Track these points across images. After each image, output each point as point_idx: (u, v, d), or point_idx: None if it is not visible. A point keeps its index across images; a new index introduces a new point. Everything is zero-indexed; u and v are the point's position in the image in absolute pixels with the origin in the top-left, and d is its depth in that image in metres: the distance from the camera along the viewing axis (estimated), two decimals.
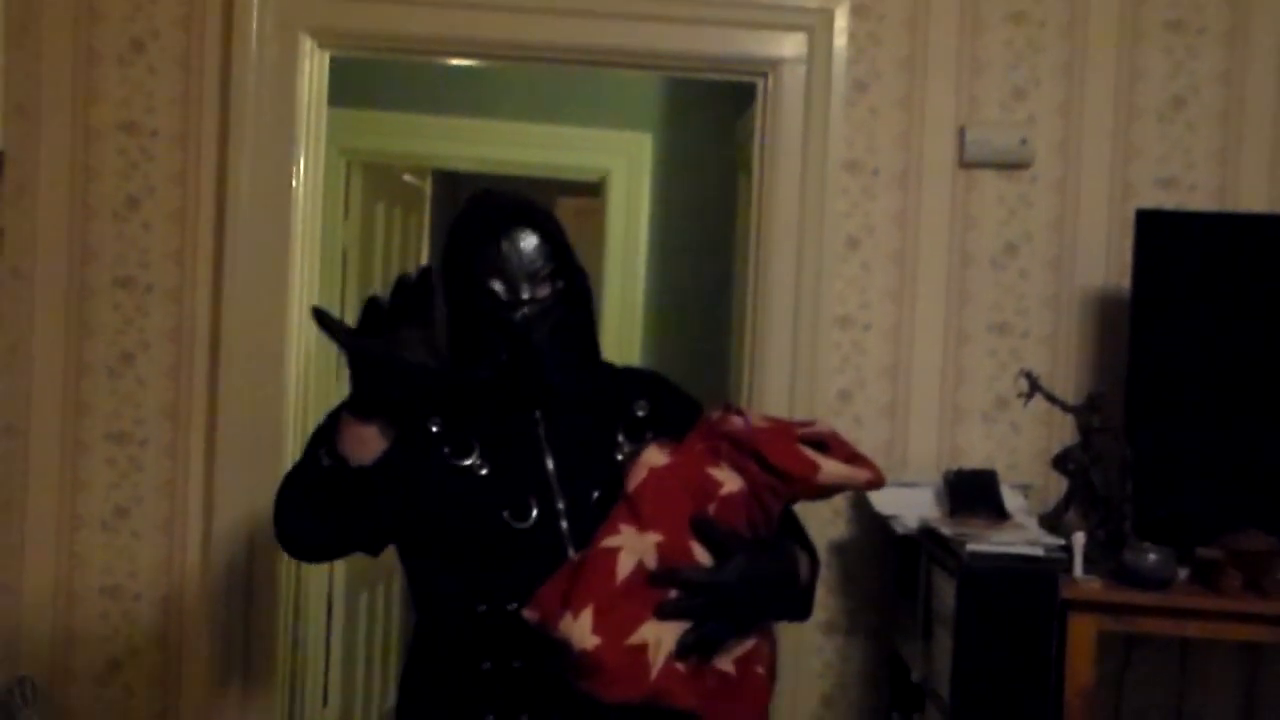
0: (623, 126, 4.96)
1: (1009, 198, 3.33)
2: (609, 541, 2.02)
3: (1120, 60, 3.32)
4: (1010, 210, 3.33)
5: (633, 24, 3.29)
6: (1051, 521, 3.01)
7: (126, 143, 3.25)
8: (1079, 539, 2.82)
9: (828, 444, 2.08)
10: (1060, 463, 3.06)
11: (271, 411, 3.26)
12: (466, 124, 4.85)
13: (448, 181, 6.74)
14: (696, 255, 5.03)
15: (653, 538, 1.99)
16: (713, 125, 4.93)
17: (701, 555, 2.00)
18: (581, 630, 1.96)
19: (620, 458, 2.22)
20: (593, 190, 5.33)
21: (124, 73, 3.25)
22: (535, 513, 2.21)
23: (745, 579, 2.02)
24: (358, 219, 4.69)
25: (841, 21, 3.29)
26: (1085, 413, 3.05)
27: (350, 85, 3.79)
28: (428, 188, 5.62)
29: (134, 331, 3.27)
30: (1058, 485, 3.13)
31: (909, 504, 3.13)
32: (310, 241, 3.35)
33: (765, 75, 3.33)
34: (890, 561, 3.31)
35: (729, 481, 2.02)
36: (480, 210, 2.33)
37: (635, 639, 1.95)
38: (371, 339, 2.00)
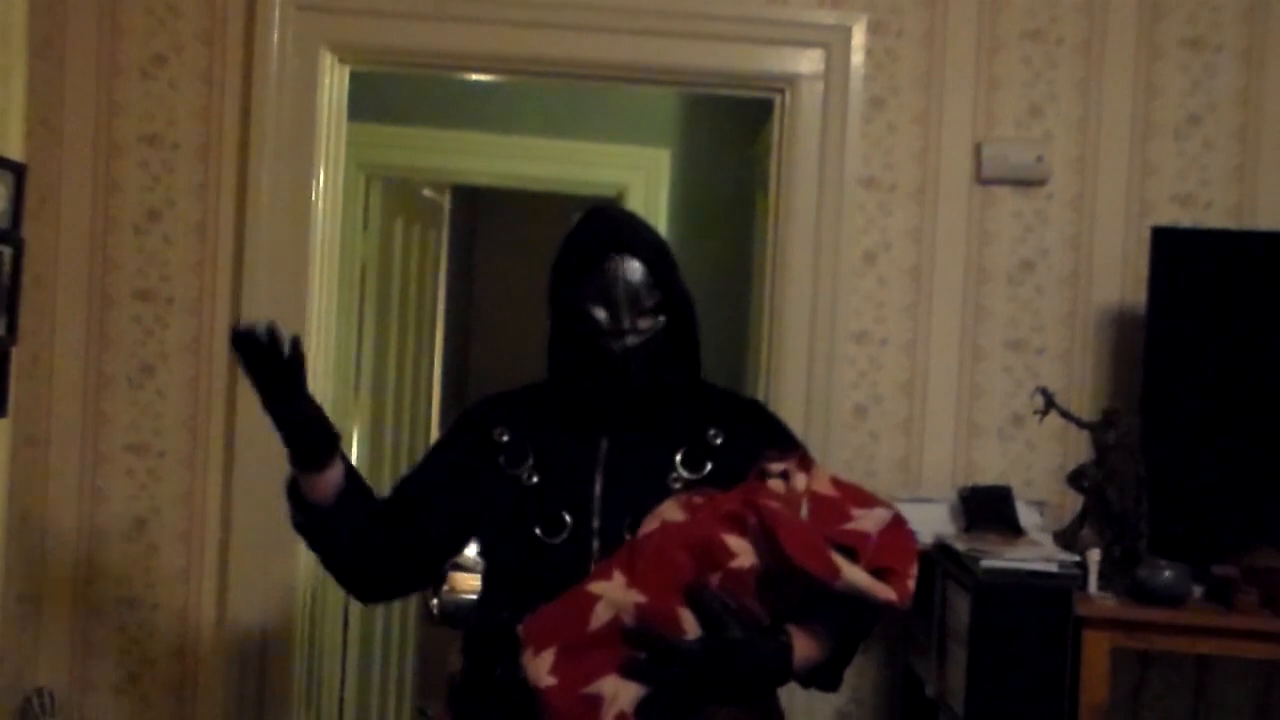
0: (640, 142, 4.97)
1: (1025, 214, 3.33)
2: (595, 586, 2.01)
3: (1137, 77, 3.33)
4: (1026, 227, 3.34)
5: (651, 40, 3.31)
6: (1066, 538, 3.00)
7: (148, 156, 3.28)
8: (1094, 555, 2.82)
9: (860, 550, 1.98)
10: (1075, 479, 3.06)
11: None
12: (485, 139, 4.87)
13: (467, 196, 6.77)
14: (713, 271, 5.02)
15: (636, 596, 1.96)
16: (730, 141, 4.94)
17: (689, 622, 1.95)
18: (539, 668, 1.97)
19: (676, 486, 2.20)
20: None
21: (146, 86, 3.28)
22: (568, 531, 2.22)
23: (721, 657, 1.96)
24: (376, 233, 4.71)
25: (859, 38, 3.30)
26: (1100, 429, 3.04)
27: (369, 100, 3.82)
28: (446, 202, 5.64)
29: (154, 343, 3.29)
30: (1073, 502, 3.13)
31: (924, 519, 3.11)
32: (329, 255, 3.37)
33: (783, 91, 3.35)
34: None
35: (743, 555, 1.97)
36: (590, 230, 2.32)
37: (592, 689, 1.94)
38: (286, 401, 2.20)
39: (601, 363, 2.21)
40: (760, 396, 3.40)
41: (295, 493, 2.25)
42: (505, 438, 2.30)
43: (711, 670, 1.96)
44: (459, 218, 6.26)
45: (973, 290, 3.35)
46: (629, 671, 1.95)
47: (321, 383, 3.37)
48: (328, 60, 3.31)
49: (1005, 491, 3.13)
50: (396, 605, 5.00)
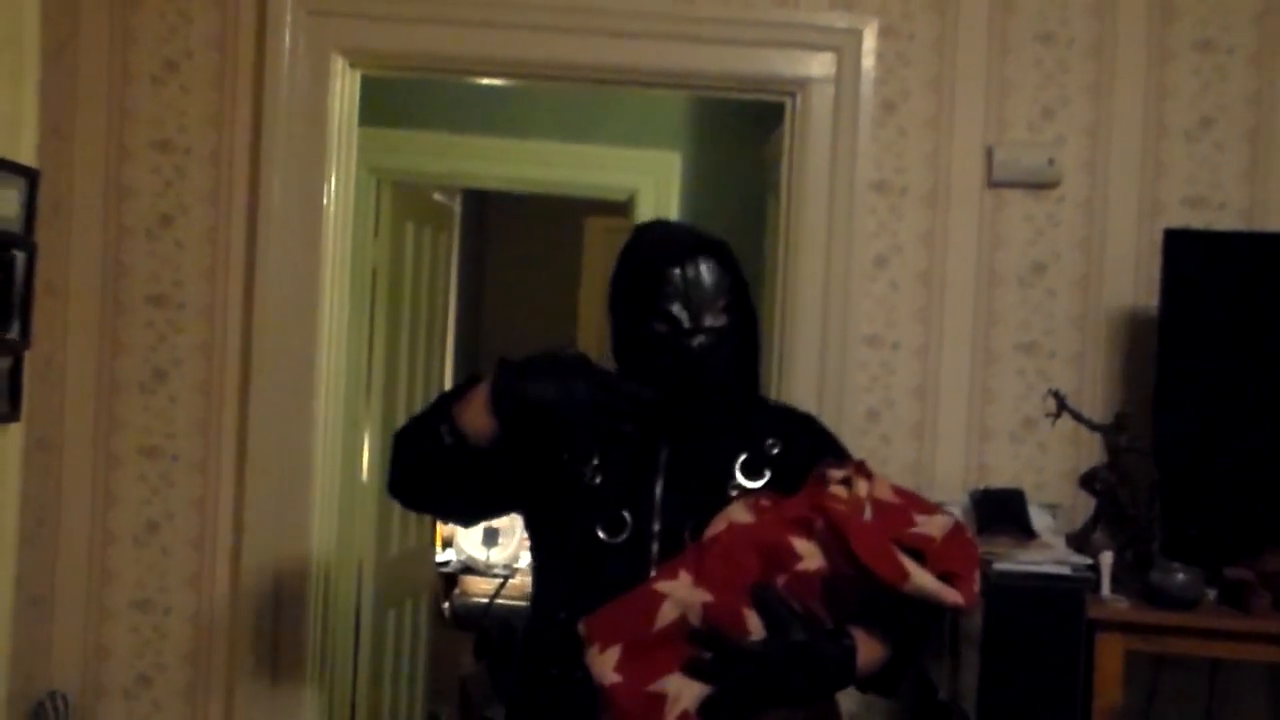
0: (651, 146, 4.97)
1: (1037, 217, 3.33)
2: (661, 585, 2.01)
3: (1149, 80, 3.32)
4: (1038, 230, 3.33)
5: (661, 44, 3.31)
6: (1079, 541, 3.00)
7: (160, 161, 3.29)
8: (1106, 558, 2.82)
9: (926, 553, 1.98)
10: (1087, 482, 3.06)
11: (301, 428, 3.28)
12: (496, 143, 4.87)
13: (477, 200, 6.79)
14: None
15: (703, 595, 1.97)
16: (741, 145, 4.94)
17: (754, 623, 1.96)
18: (604, 665, 1.97)
19: (734, 493, 2.21)
20: (620, 209, 5.35)
21: (158, 92, 3.29)
22: (628, 532, 2.23)
23: (785, 659, 1.96)
24: (387, 238, 4.72)
25: (870, 42, 3.30)
26: (1113, 432, 3.04)
27: (380, 104, 3.82)
28: (457, 206, 5.66)
29: (166, 348, 3.30)
30: (1085, 505, 3.13)
31: None
32: (340, 260, 3.38)
33: (794, 95, 3.35)
34: None
35: (810, 558, 1.97)
36: (663, 236, 2.36)
37: (655, 687, 1.95)
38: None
39: (682, 360, 2.22)
40: (771, 400, 3.40)
41: (447, 413, 2.20)
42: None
43: (775, 672, 1.96)
44: (470, 222, 6.28)
45: (984, 293, 3.34)
46: (693, 671, 1.95)
47: (333, 387, 3.38)
48: (339, 65, 3.32)
49: (1017, 494, 3.13)
50: (408, 608, 5.01)
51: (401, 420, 4.82)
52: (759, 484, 2.23)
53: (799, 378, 3.31)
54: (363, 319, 4.44)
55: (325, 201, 3.30)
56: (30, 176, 3.06)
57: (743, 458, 2.25)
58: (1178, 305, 3.09)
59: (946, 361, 3.34)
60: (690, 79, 3.42)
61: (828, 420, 3.23)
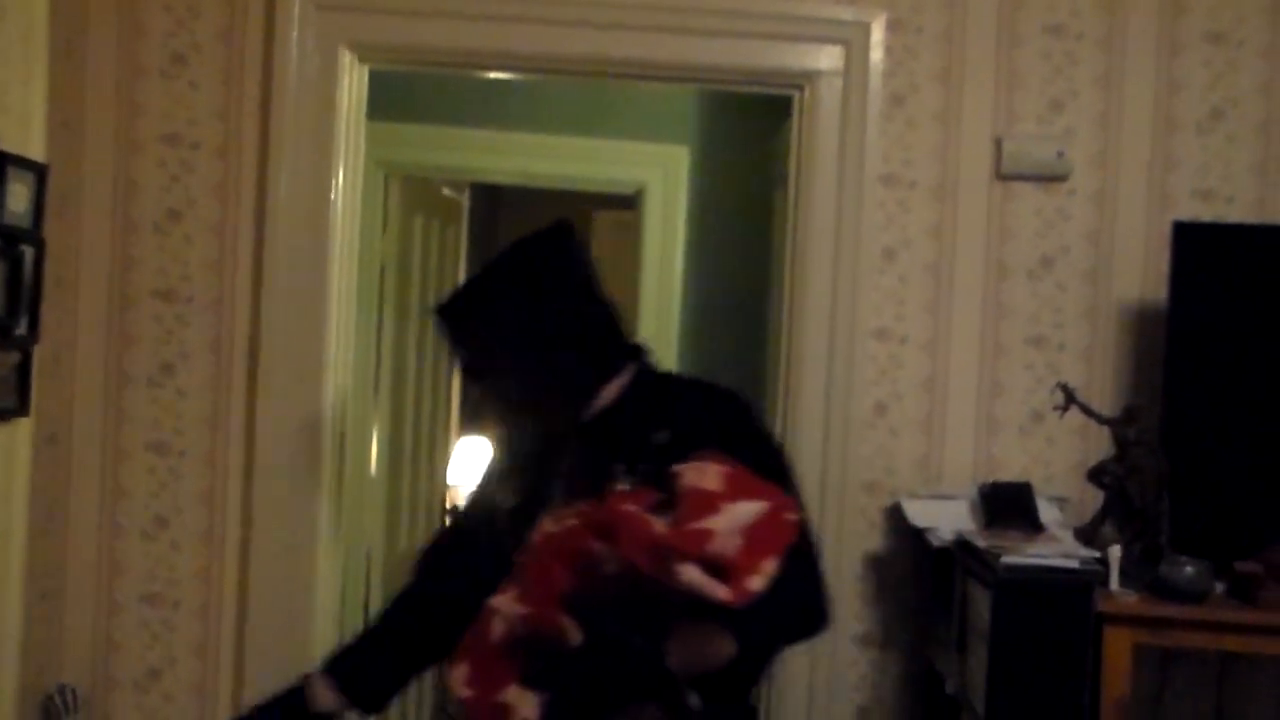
0: (659, 140, 4.97)
1: (1046, 210, 3.32)
2: (494, 601, 2.12)
3: (1159, 72, 3.31)
4: (1047, 223, 3.32)
5: (669, 37, 3.30)
6: (1087, 534, 3.00)
7: (168, 155, 3.29)
8: (1115, 552, 2.81)
9: (702, 548, 1.99)
10: (1096, 476, 3.05)
11: (309, 422, 3.28)
12: (504, 137, 4.87)
13: (486, 194, 6.78)
14: (732, 268, 5.03)
15: (522, 609, 2.07)
16: (749, 138, 4.93)
17: (571, 628, 2.03)
18: (457, 681, 2.11)
19: (620, 488, 2.21)
20: (629, 203, 5.34)
21: (166, 86, 3.29)
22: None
23: (600, 658, 2.04)
24: (396, 232, 4.72)
25: (878, 35, 3.29)
26: (1121, 425, 3.03)
27: (388, 98, 3.82)
28: (466, 201, 5.65)
29: (174, 342, 3.30)
30: (1093, 498, 3.12)
31: (944, 516, 3.12)
32: (349, 254, 3.38)
33: (802, 88, 3.34)
34: (925, 574, 3.30)
35: (609, 561, 2.02)
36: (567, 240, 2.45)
37: (499, 698, 2.06)
38: None
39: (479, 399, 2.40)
40: (780, 395, 3.40)
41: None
42: (500, 465, 2.48)
43: (594, 672, 2.04)
44: (478, 216, 6.27)
45: (993, 286, 3.33)
46: (525, 680, 2.06)
47: (341, 381, 3.38)
48: (347, 59, 3.31)
49: (1025, 488, 3.12)
50: None
51: (411, 415, 4.83)
52: (638, 477, 2.23)
53: (807, 371, 3.30)
54: (371, 313, 4.45)
55: (333, 196, 3.30)
56: (39, 171, 3.06)
57: (624, 455, 2.28)
58: (1187, 298, 3.08)
59: (955, 355, 3.33)
60: (698, 72, 3.42)
61: (836, 414, 3.27)
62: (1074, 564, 2.76)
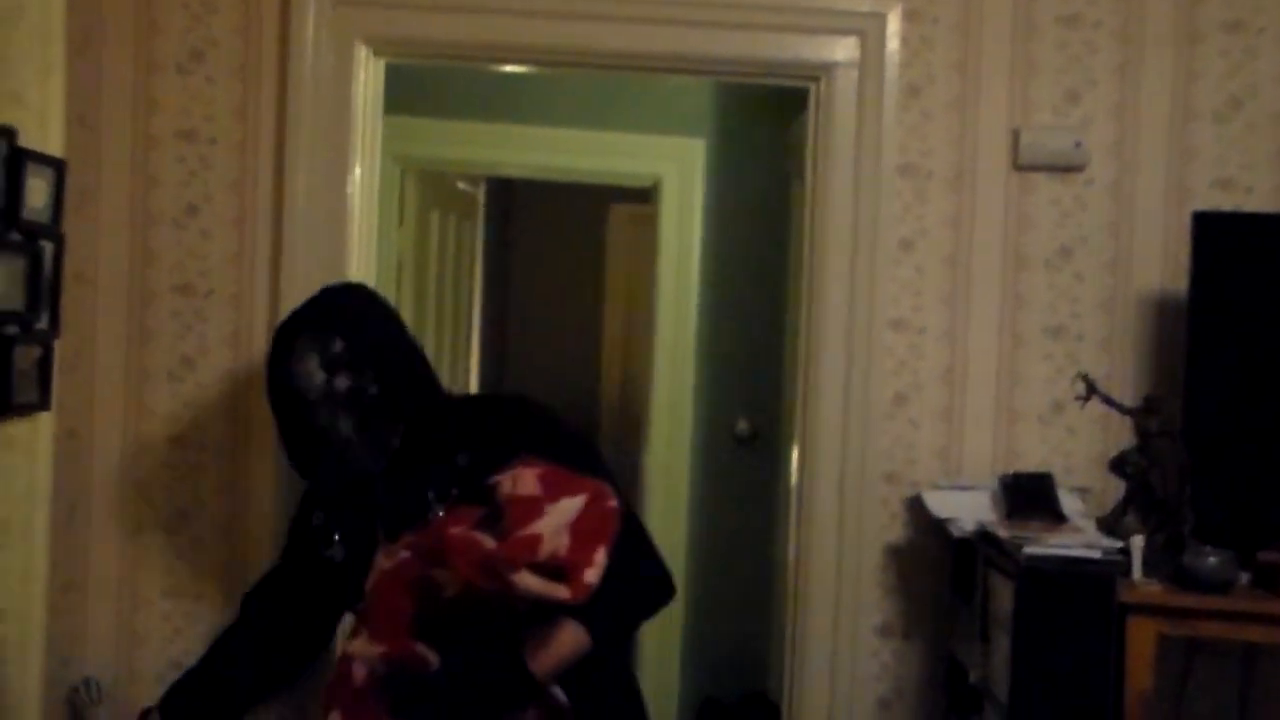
0: (675, 132, 4.97)
1: (1064, 200, 3.31)
2: (349, 647, 2.20)
3: (1177, 61, 3.30)
4: (1065, 213, 3.32)
5: (685, 29, 3.30)
6: (1109, 525, 2.99)
7: (186, 151, 3.30)
8: (1137, 542, 2.80)
9: (534, 553, 2.08)
10: (1118, 466, 3.04)
11: None
12: (519, 131, 4.88)
13: (501, 188, 6.79)
14: (749, 260, 5.04)
15: (378, 649, 2.13)
16: (765, 130, 4.94)
17: (429, 655, 2.11)
18: None
19: (440, 515, 2.30)
20: (645, 196, 5.34)
21: (183, 82, 3.30)
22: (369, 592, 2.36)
23: (461, 675, 2.12)
24: (412, 226, 4.73)
25: (894, 25, 3.28)
26: (1143, 416, 3.03)
27: (404, 93, 3.83)
28: (481, 195, 5.66)
29: (193, 337, 3.31)
30: (1115, 489, 3.11)
31: (965, 507, 3.12)
32: (366, 249, 3.38)
33: (818, 80, 3.33)
34: (946, 565, 3.30)
35: (450, 584, 2.11)
36: (278, 328, 2.55)
37: None
38: None
39: (311, 432, 2.42)
40: (799, 386, 3.39)
41: None
42: (319, 519, 2.55)
43: (458, 690, 2.12)
44: (494, 210, 6.28)
45: (1011, 277, 3.33)
46: (398, 713, 2.12)
47: None
48: (362, 53, 3.32)
49: (1047, 478, 3.12)
50: None
51: None
52: (449, 501, 2.32)
53: (825, 363, 3.30)
54: None
55: (350, 190, 3.30)
56: (58, 167, 3.06)
57: (434, 483, 2.36)
58: (1207, 288, 3.07)
59: (974, 345, 3.33)
60: (714, 64, 3.42)
61: (855, 405, 3.27)
62: (1096, 554, 2.76)
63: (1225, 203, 3.27)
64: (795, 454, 3.43)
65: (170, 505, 3.32)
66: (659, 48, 3.33)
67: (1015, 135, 3.30)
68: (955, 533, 3.08)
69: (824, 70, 3.31)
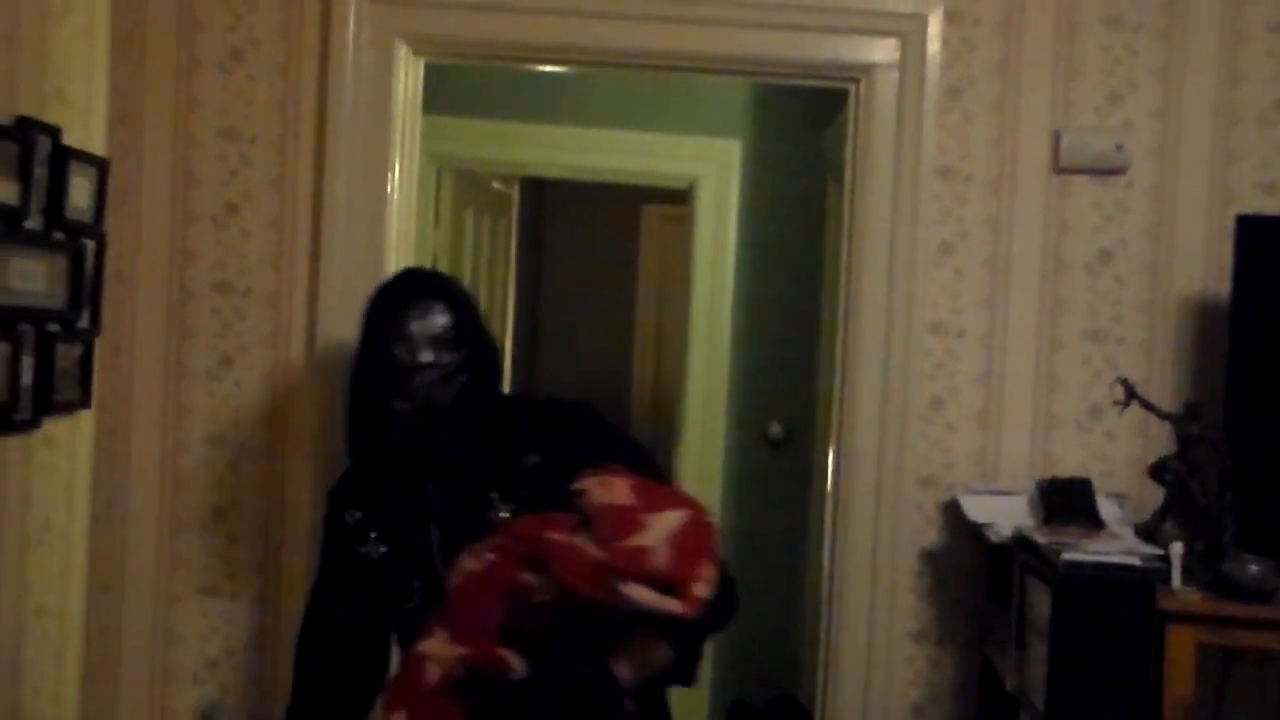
0: (712, 133, 4.97)
1: (1104, 203, 3.29)
2: (423, 646, 2.13)
3: (1221, 63, 3.27)
4: (1106, 216, 3.29)
5: (725, 30, 3.29)
6: (1148, 531, 2.97)
7: (226, 149, 3.31)
8: (1177, 549, 2.78)
9: (643, 565, 2.04)
10: (1157, 472, 3.02)
11: None
12: (555, 131, 4.89)
13: (535, 189, 6.80)
14: (785, 261, 5.03)
15: (459, 650, 2.08)
16: (802, 132, 4.93)
17: (514, 660, 2.06)
18: None
19: (503, 516, 2.30)
20: (679, 198, 5.34)
21: (224, 80, 3.31)
22: (419, 590, 2.32)
23: (548, 685, 2.07)
24: (448, 225, 4.74)
25: (935, 27, 3.27)
26: (1183, 421, 3.00)
27: (440, 93, 3.83)
28: (515, 194, 5.66)
29: (232, 335, 3.32)
30: (1153, 495, 3.09)
31: (1002, 512, 3.10)
32: (404, 248, 3.39)
33: (858, 81, 3.32)
34: (982, 570, 3.28)
35: (543, 590, 2.06)
36: (386, 286, 2.47)
37: None
38: None
39: (405, 397, 2.32)
40: (836, 389, 3.38)
41: None
42: (355, 517, 2.47)
43: (544, 701, 2.07)
44: (528, 209, 6.28)
45: (1050, 280, 3.31)
46: (470, 718, 2.07)
47: None
48: (402, 52, 3.32)
49: (1085, 484, 3.10)
50: None
51: None
52: (517, 503, 2.30)
53: (863, 365, 3.28)
54: None
55: (389, 189, 3.31)
56: (100, 165, 3.08)
57: (499, 482, 2.33)
58: (1250, 292, 3.04)
59: (1012, 349, 3.31)
60: (753, 65, 3.40)
61: (892, 408, 3.26)
62: (1136, 561, 2.74)
63: (1269, 206, 3.24)
64: (831, 456, 3.41)
65: (207, 504, 3.33)
66: (698, 48, 3.32)
67: (1056, 137, 3.28)
68: (992, 538, 3.06)
69: (864, 71, 3.30)
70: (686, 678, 2.26)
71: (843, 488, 3.31)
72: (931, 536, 3.31)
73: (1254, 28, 3.26)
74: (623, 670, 2.12)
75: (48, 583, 3.02)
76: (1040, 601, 2.83)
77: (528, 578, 2.07)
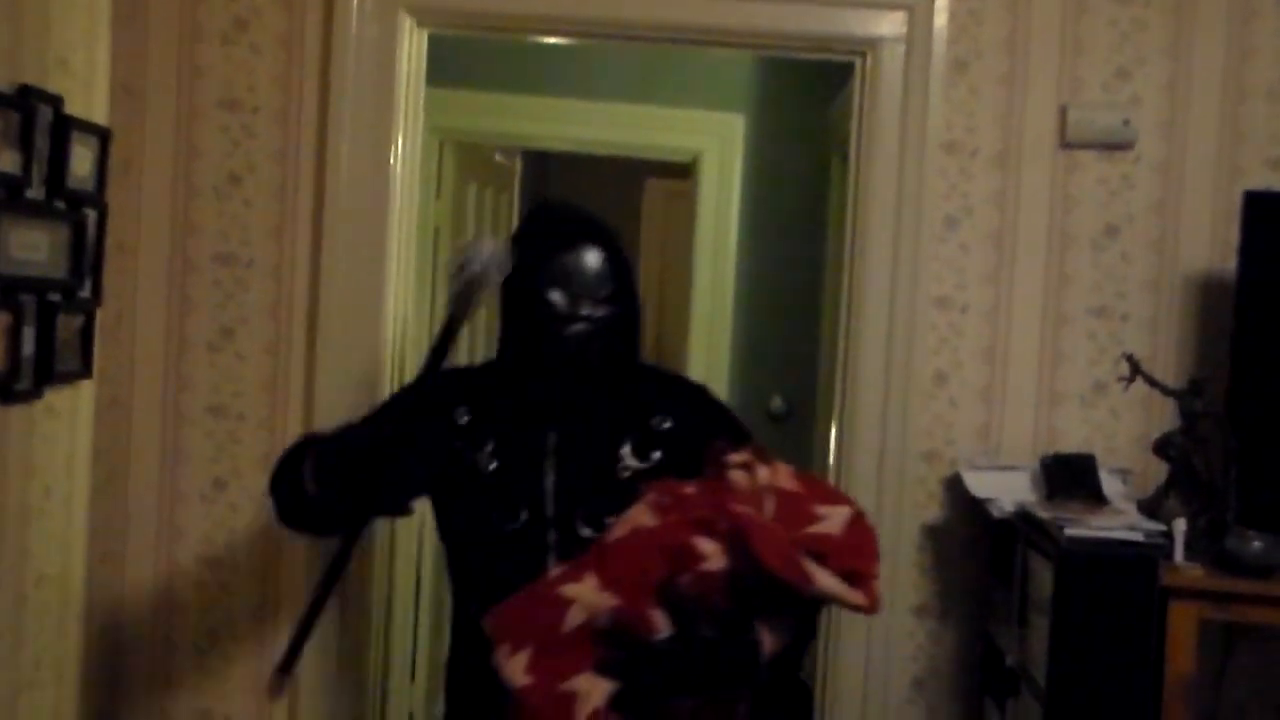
0: (715, 107, 4.94)
1: (1111, 179, 3.28)
2: (567, 589, 2.07)
3: (1230, 38, 3.25)
4: (1112, 192, 3.28)
5: (730, 2, 3.27)
6: (1151, 507, 2.97)
7: (229, 120, 3.29)
8: (1180, 525, 2.78)
9: (826, 554, 2.04)
10: (1161, 448, 3.01)
11: (367, 387, 3.28)
12: (558, 104, 4.86)
13: (537, 161, 6.77)
14: (788, 236, 5.01)
15: (610, 600, 2.03)
16: (805, 106, 4.91)
17: (660, 621, 2.03)
18: (515, 667, 2.04)
19: (625, 475, 2.27)
20: (681, 171, 5.32)
21: (227, 51, 3.29)
22: (523, 519, 2.26)
23: (693, 653, 2.04)
24: (449, 198, 4.72)
25: (942, 0, 3.25)
26: (1188, 397, 3.00)
27: (443, 64, 3.81)
28: (517, 167, 5.64)
29: (234, 307, 3.31)
30: (1157, 471, 3.09)
31: (1005, 487, 3.10)
32: (407, 219, 3.37)
33: (864, 55, 3.30)
34: (985, 545, 3.28)
35: (714, 558, 2.02)
36: (550, 220, 2.39)
37: (566, 686, 2.02)
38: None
39: (555, 346, 2.26)
40: (839, 363, 3.38)
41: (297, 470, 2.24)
42: (465, 419, 2.36)
43: (683, 667, 2.04)
44: (530, 182, 6.26)
45: (1056, 256, 3.30)
46: (606, 669, 2.02)
47: (398, 346, 3.38)
48: (406, 24, 3.30)
49: (1088, 459, 3.09)
50: None
51: None
52: (649, 464, 2.28)
53: (866, 340, 3.28)
54: (425, 279, 4.45)
55: (392, 161, 3.29)
56: (102, 135, 3.07)
57: (630, 439, 2.30)
58: (1256, 269, 3.03)
59: (1016, 324, 3.30)
60: (758, 38, 3.38)
61: (895, 383, 3.26)
62: (1138, 536, 2.74)
63: (1277, 182, 3.22)
64: (834, 431, 3.41)
65: (208, 475, 3.32)
66: (703, 20, 3.30)
67: (1063, 112, 3.26)
68: (995, 513, 3.06)
69: (870, 45, 3.28)
70: (796, 665, 2.27)
71: (845, 462, 3.31)
72: (934, 512, 3.31)
73: (1263, 3, 3.24)
74: (769, 648, 2.10)
75: (49, 553, 3.02)
76: (1042, 577, 2.83)
77: (703, 544, 2.05)
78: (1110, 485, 3.06)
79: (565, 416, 2.31)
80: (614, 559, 2.08)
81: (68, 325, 2.98)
